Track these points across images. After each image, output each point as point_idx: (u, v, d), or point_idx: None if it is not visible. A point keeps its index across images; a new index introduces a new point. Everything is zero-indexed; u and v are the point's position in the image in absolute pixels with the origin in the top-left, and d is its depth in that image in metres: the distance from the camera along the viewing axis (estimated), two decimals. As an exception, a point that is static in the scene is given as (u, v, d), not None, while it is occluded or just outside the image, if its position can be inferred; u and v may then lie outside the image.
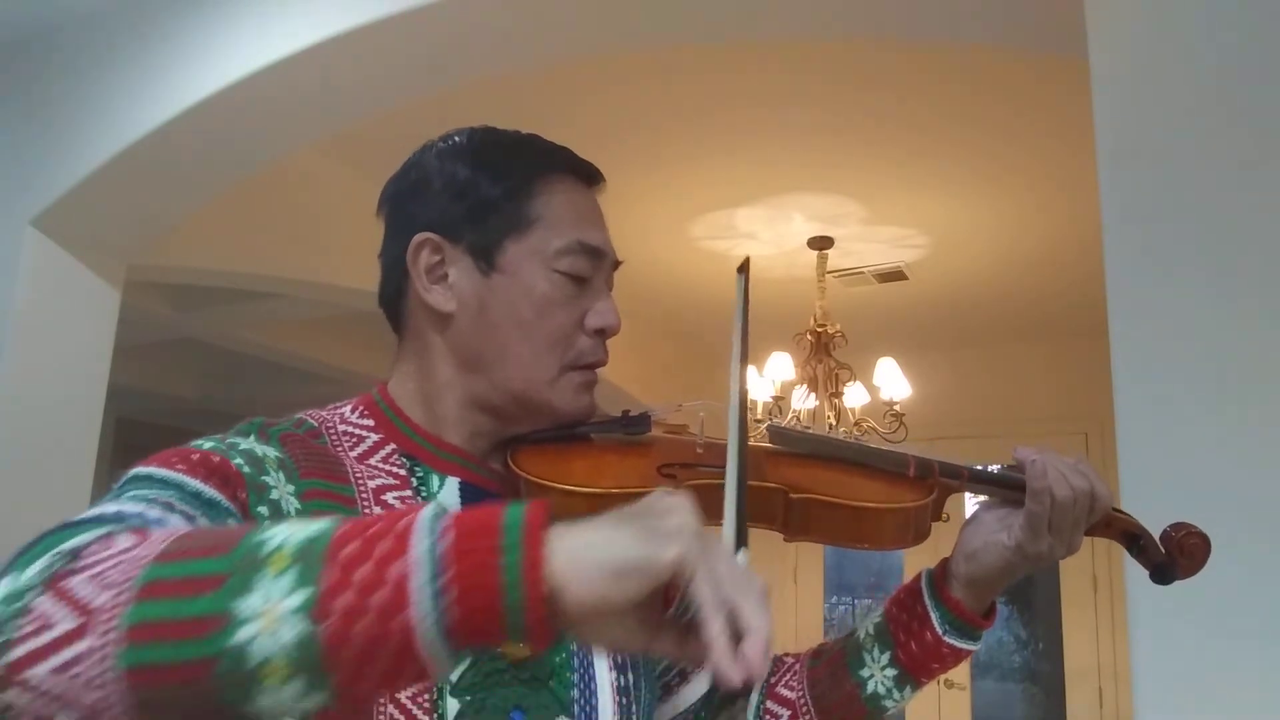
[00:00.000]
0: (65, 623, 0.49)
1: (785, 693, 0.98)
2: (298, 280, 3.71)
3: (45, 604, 0.50)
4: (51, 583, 0.51)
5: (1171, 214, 1.55)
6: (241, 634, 0.47)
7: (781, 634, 5.66)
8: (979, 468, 0.90)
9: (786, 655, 1.02)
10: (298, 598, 0.48)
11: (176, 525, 0.61)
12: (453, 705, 0.74)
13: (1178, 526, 0.89)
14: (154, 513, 0.61)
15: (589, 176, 0.89)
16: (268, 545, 0.50)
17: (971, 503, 0.93)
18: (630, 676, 0.85)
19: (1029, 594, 5.91)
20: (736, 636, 0.50)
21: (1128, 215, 1.58)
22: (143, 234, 2.90)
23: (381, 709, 0.71)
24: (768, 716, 0.98)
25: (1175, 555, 0.88)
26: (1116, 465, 1.49)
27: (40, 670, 0.48)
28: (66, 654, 0.48)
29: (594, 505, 0.76)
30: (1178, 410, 1.48)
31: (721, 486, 0.83)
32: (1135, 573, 0.93)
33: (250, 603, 0.48)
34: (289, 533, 0.51)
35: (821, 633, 5.89)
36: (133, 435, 6.16)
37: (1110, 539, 0.90)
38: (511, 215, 0.83)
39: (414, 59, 2.39)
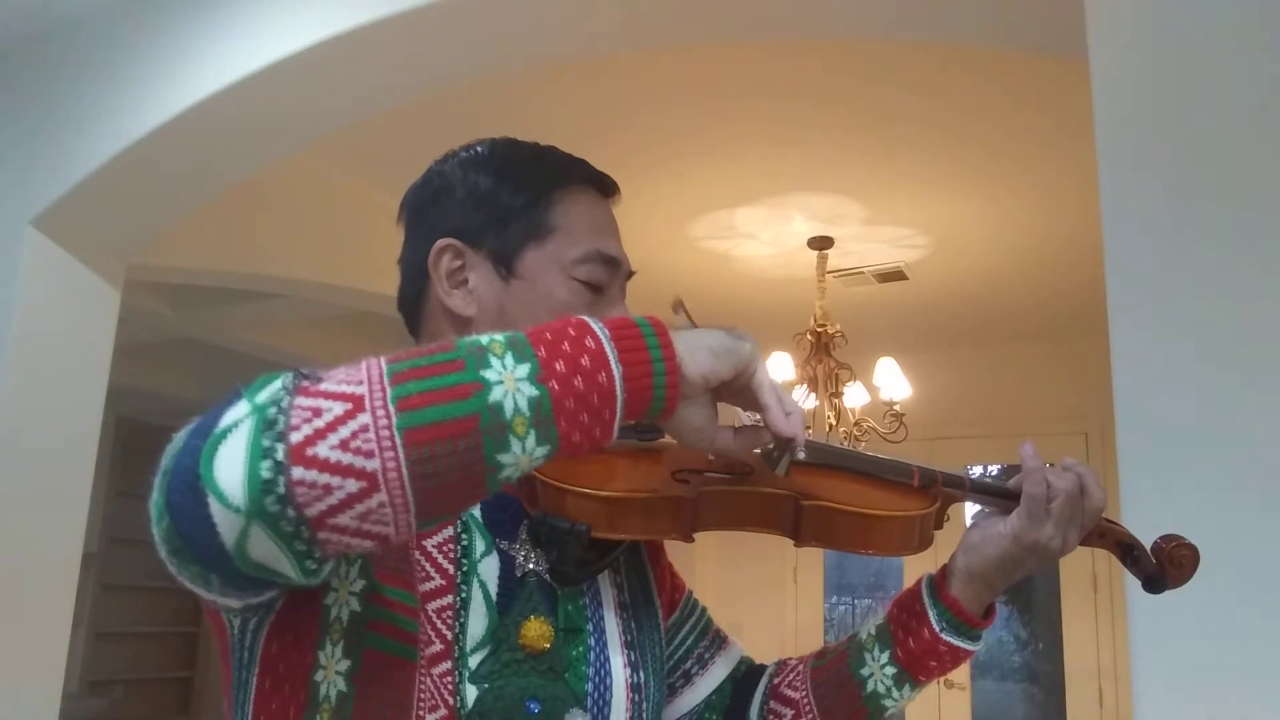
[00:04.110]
0: (336, 408, 0.59)
1: (789, 693, 0.99)
2: (298, 280, 3.71)
3: (304, 401, 0.59)
4: (298, 391, 0.60)
5: (1171, 213, 1.55)
6: (494, 394, 0.61)
7: (781, 634, 5.68)
8: (979, 476, 0.93)
9: (790, 658, 1.02)
10: (525, 368, 0.62)
11: None
12: (471, 692, 0.76)
13: (1168, 538, 0.92)
14: None
15: (606, 188, 0.92)
16: (480, 341, 0.64)
17: (970, 509, 0.95)
18: (642, 674, 0.87)
19: (1029, 594, 5.91)
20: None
21: (1128, 215, 1.58)
22: (143, 234, 2.90)
23: (422, 680, 0.74)
24: (771, 716, 0.99)
25: (1165, 566, 0.91)
26: (1116, 465, 1.49)
27: (323, 446, 0.57)
28: (347, 429, 0.58)
29: (611, 509, 0.80)
30: (1178, 410, 1.48)
31: (733, 493, 0.86)
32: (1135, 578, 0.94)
33: (492, 373, 0.62)
34: (486, 335, 0.65)
35: (821, 633, 5.89)
36: (133, 435, 6.16)
37: (1105, 549, 0.93)
38: (531, 224, 0.86)
39: (413, 59, 2.39)
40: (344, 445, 0.57)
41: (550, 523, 0.80)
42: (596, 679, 0.83)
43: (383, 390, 0.59)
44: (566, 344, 0.64)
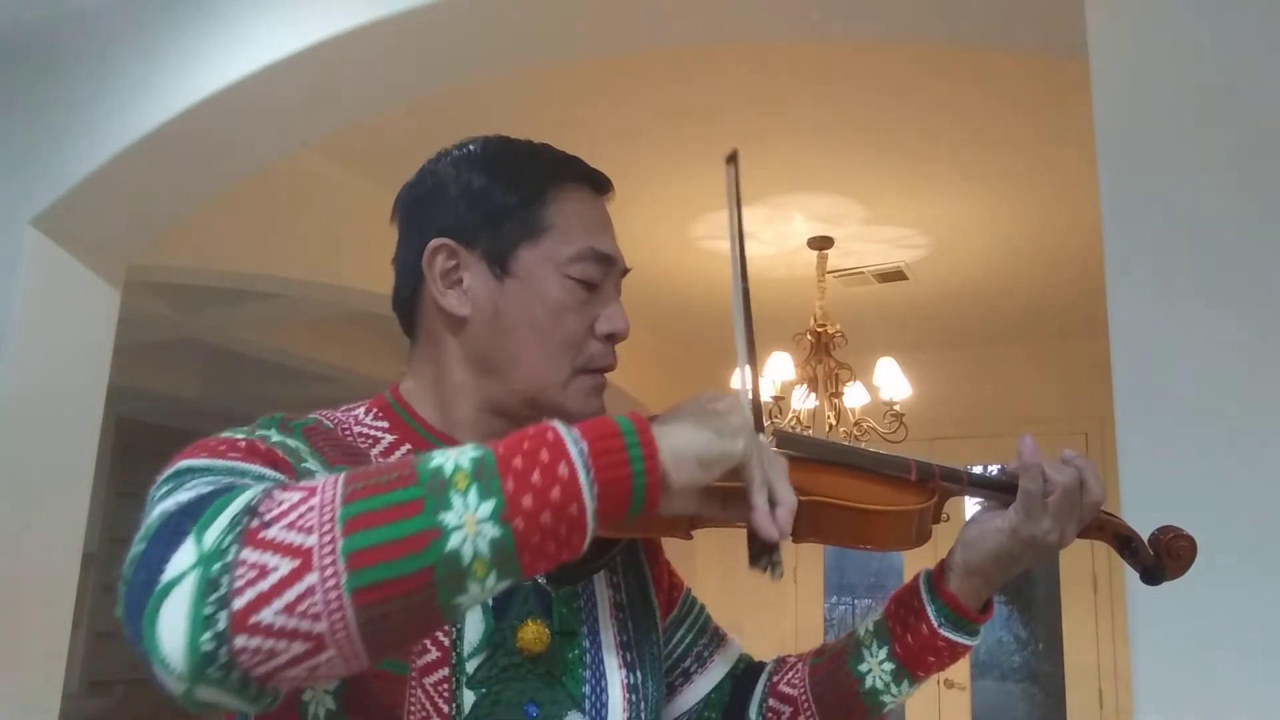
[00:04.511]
0: (283, 566, 0.55)
1: (787, 690, 0.99)
2: (298, 280, 3.71)
3: (250, 556, 0.55)
4: (246, 538, 0.56)
5: (1171, 214, 1.55)
6: (451, 542, 0.57)
7: (781, 634, 5.68)
8: (977, 471, 0.93)
9: (789, 656, 1.03)
10: (489, 506, 0.58)
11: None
12: (469, 697, 0.76)
13: (1165, 530, 0.92)
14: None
15: (599, 185, 0.91)
16: (445, 470, 0.59)
17: (971, 504, 0.95)
18: (639, 675, 0.87)
19: (1029, 594, 5.91)
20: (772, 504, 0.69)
21: (1128, 215, 1.58)
22: (143, 234, 2.90)
23: (413, 692, 0.74)
24: (770, 714, 0.99)
25: (1163, 557, 0.92)
26: (1116, 465, 1.49)
27: (268, 612, 0.54)
28: (293, 591, 0.55)
29: None
30: (1178, 410, 1.48)
31: (731, 489, 0.85)
32: (1134, 574, 0.94)
33: (451, 515, 0.57)
34: (453, 458, 0.60)
35: (821, 633, 5.89)
36: (133, 435, 6.15)
37: (1103, 541, 0.93)
38: (525, 222, 0.85)
39: (414, 59, 2.39)
40: (289, 609, 0.54)
41: None
42: (593, 681, 0.83)
43: (333, 540, 0.55)
44: (537, 473, 0.59)
